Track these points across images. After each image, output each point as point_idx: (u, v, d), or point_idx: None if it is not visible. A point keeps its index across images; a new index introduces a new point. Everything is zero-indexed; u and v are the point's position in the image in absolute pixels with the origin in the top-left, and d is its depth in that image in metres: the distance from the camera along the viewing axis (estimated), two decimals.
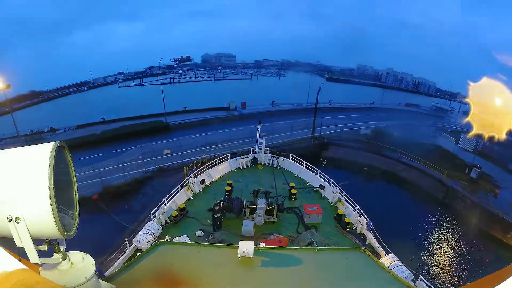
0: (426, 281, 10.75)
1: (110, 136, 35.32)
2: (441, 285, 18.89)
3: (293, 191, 18.48)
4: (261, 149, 22.72)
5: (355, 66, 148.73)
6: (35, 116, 57.88)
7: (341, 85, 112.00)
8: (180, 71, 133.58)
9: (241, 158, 22.73)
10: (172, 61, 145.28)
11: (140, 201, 20.15)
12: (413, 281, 10.75)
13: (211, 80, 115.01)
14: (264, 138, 23.03)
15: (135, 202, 20.38)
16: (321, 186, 19.33)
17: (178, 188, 17.72)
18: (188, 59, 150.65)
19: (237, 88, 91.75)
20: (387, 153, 33.35)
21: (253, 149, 23.49)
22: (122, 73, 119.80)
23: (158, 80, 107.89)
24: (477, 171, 30.21)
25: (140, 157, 26.79)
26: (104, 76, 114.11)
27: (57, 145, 1.76)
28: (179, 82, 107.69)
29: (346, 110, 57.59)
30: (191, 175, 18.92)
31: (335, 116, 49.59)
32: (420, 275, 11.05)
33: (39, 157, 1.63)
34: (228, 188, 18.27)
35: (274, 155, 22.98)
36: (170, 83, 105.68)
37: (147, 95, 43.13)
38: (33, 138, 38.76)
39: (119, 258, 12.35)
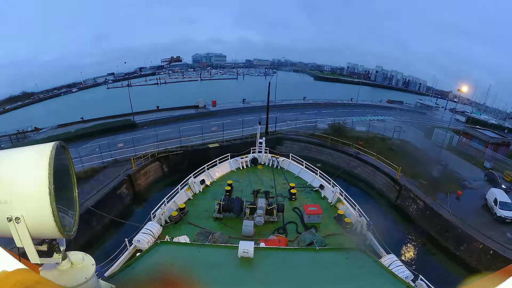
0: (426, 281, 10.73)
1: (83, 133, 38.04)
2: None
3: (293, 191, 18.51)
4: (261, 149, 22.68)
5: (346, 64, 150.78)
6: (25, 116, 60.21)
7: (330, 84, 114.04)
8: (169, 72, 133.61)
9: (241, 158, 22.72)
10: (163, 61, 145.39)
11: (92, 185, 23.77)
12: (413, 281, 10.73)
13: (197, 80, 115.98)
14: (264, 139, 22.94)
15: (86, 185, 23.60)
16: (321, 186, 19.35)
17: (178, 188, 17.70)
18: (178, 59, 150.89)
19: (221, 87, 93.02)
20: (343, 148, 32.29)
21: (253, 149, 23.44)
22: (113, 73, 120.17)
23: (146, 81, 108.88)
24: (439, 169, 26.70)
25: (97, 149, 30.26)
26: (94, 77, 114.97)
27: (57, 145, 1.76)
28: (165, 83, 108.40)
29: (318, 106, 58.25)
30: (191, 175, 18.89)
31: (303, 112, 50.11)
32: (420, 275, 11.01)
33: (39, 157, 1.63)
34: (228, 188, 18.26)
35: (274, 155, 22.97)
36: (157, 83, 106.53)
37: (131, 95, 45.14)
38: (18, 137, 41.35)
39: (119, 258, 12.31)
